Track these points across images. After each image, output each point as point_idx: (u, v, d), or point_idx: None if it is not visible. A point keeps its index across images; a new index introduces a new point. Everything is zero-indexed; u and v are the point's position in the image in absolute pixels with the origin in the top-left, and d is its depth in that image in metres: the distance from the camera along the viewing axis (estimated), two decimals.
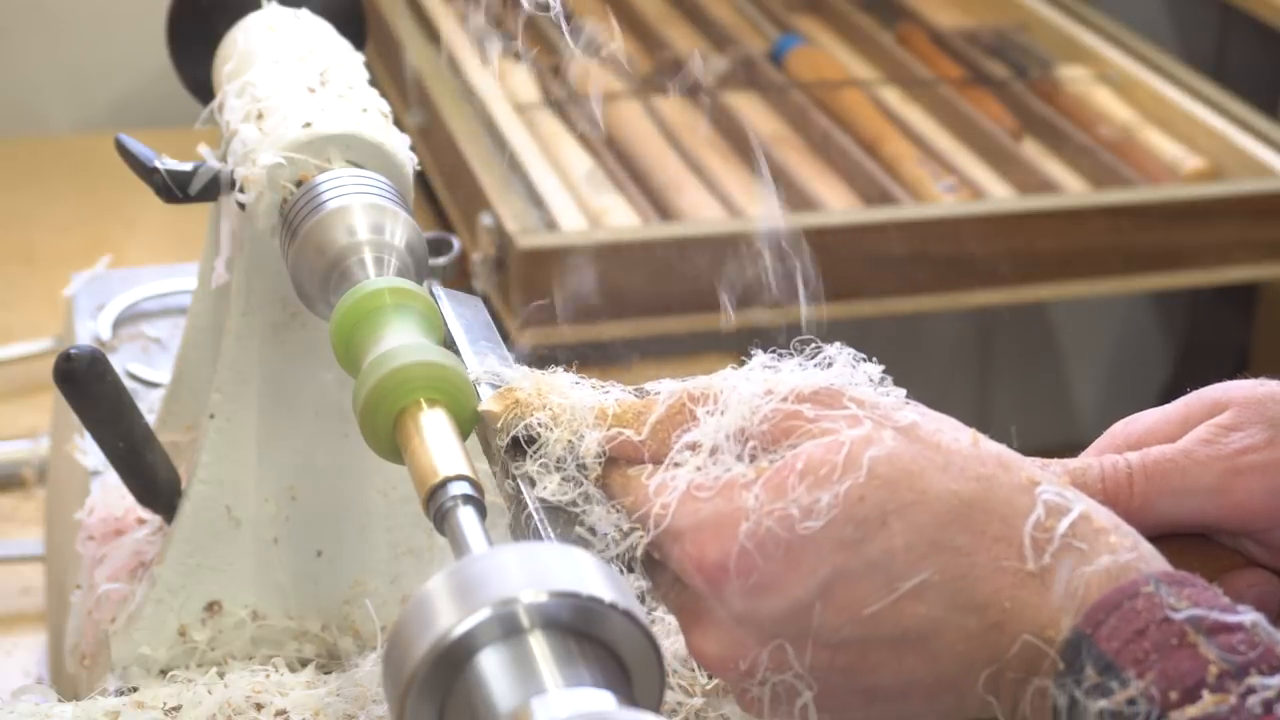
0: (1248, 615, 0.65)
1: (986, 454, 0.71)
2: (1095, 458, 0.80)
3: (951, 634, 0.68)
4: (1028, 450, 0.74)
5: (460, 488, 0.73)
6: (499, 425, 0.77)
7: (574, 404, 0.77)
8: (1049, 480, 0.70)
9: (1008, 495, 0.69)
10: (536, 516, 0.73)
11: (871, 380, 0.75)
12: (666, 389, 0.76)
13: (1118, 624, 0.65)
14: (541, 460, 0.76)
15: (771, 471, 0.70)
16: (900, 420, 0.71)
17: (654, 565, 0.74)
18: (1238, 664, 0.63)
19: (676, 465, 0.74)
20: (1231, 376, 0.83)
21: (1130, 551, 0.68)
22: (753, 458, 0.72)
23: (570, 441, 0.76)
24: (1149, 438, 0.80)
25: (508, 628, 0.61)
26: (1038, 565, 0.67)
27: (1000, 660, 0.68)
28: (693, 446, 0.74)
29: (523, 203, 1.81)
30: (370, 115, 0.94)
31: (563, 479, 0.75)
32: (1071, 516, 0.68)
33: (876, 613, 0.68)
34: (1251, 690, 0.62)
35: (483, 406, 0.78)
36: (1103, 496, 0.77)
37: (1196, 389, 0.82)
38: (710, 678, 0.89)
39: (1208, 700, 0.62)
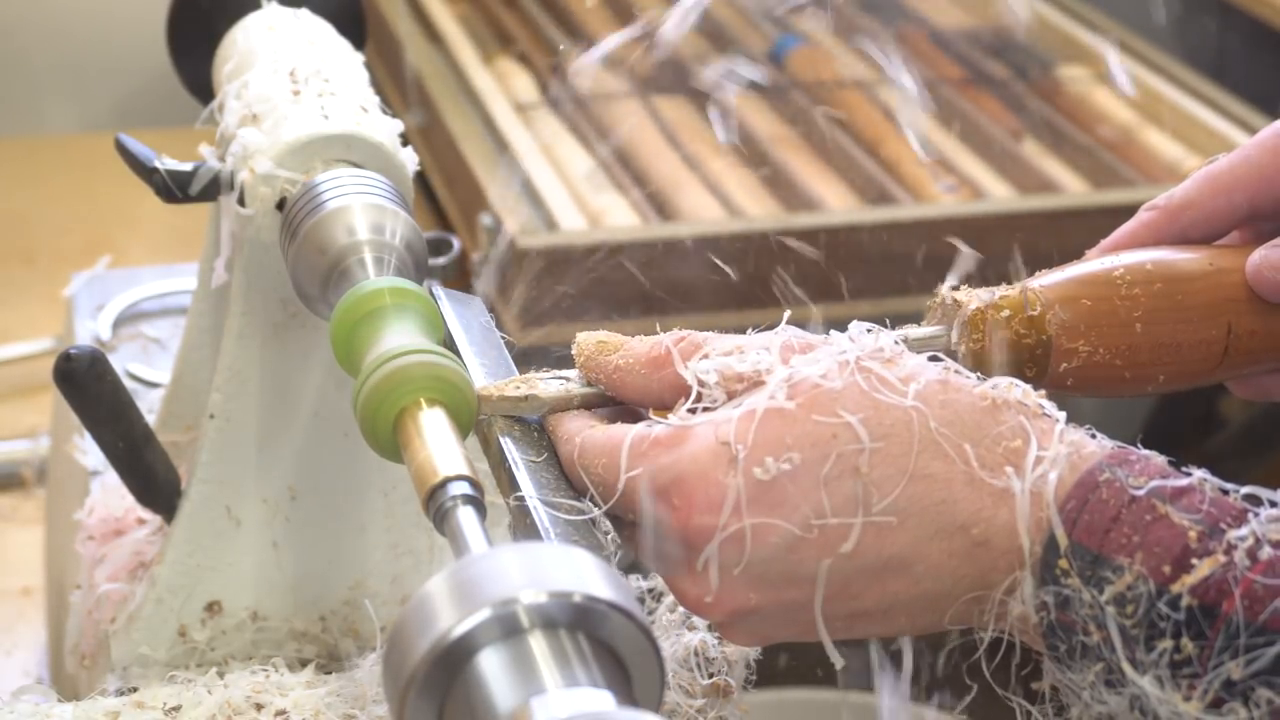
0: (1195, 474, 0.68)
1: (945, 381, 0.73)
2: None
3: (935, 556, 0.70)
4: None
5: (460, 488, 0.73)
6: (493, 395, 0.78)
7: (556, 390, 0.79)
8: (999, 395, 0.72)
9: (973, 417, 0.71)
10: (536, 515, 0.73)
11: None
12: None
13: (1091, 517, 0.68)
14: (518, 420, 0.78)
15: (742, 418, 0.71)
16: (867, 361, 0.73)
17: (620, 520, 0.75)
18: (1209, 522, 0.66)
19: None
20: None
21: (1077, 443, 0.70)
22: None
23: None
24: None
25: (507, 628, 0.61)
26: (1007, 481, 0.70)
27: (988, 576, 0.70)
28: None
29: (523, 203, 1.81)
30: (370, 115, 0.94)
31: (523, 431, 0.78)
32: (1029, 426, 0.71)
33: (858, 546, 0.70)
34: (1232, 546, 0.65)
35: (480, 389, 0.79)
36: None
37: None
38: (709, 676, 0.89)
39: (1202, 566, 0.65)
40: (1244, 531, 0.65)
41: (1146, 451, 0.70)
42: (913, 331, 0.81)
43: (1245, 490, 0.68)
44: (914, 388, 0.71)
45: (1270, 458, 2.17)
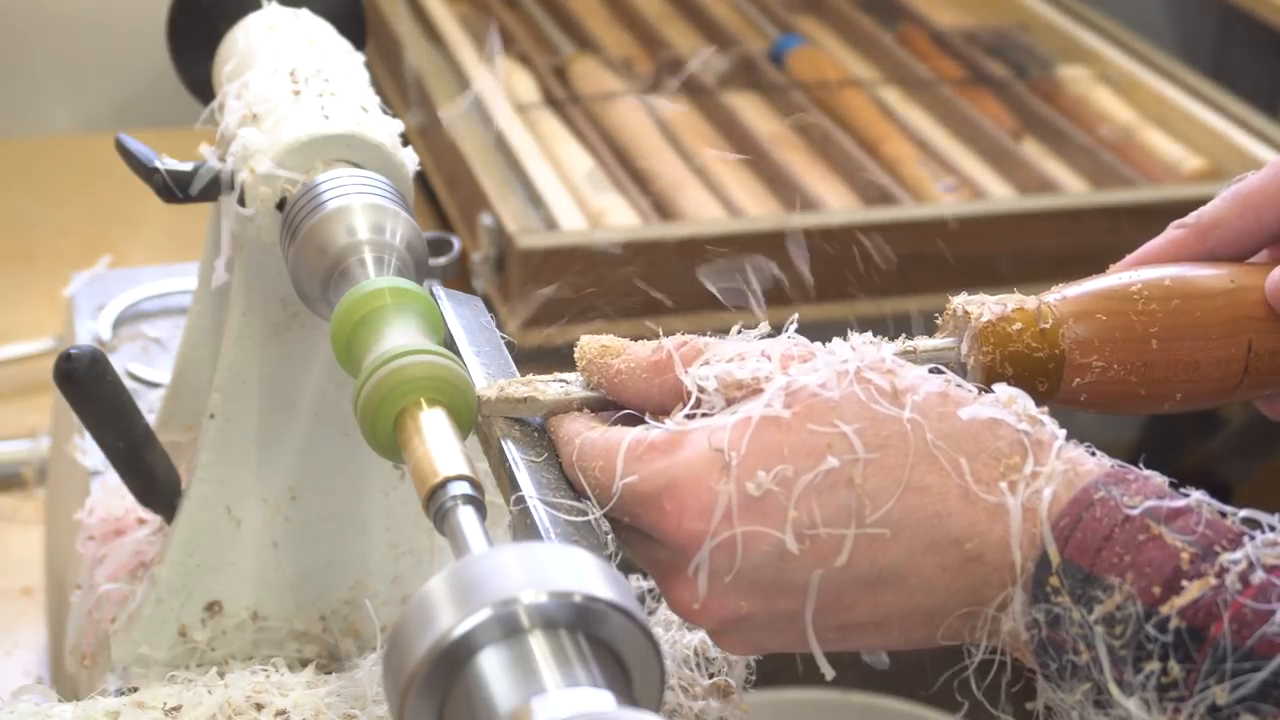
0: (1191, 495, 0.67)
1: (945, 394, 0.72)
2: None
3: (929, 570, 0.70)
4: None
5: (460, 488, 0.73)
6: (493, 397, 0.78)
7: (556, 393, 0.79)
8: (996, 409, 0.71)
9: (971, 431, 0.71)
10: (536, 515, 0.73)
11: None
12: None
13: (1084, 535, 0.67)
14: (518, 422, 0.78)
15: (737, 425, 0.71)
16: (866, 372, 0.72)
17: (618, 523, 0.75)
18: (1202, 544, 0.66)
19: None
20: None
21: (1075, 460, 0.70)
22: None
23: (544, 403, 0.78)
24: None
25: (508, 628, 0.61)
26: (1002, 496, 0.69)
27: (981, 591, 0.70)
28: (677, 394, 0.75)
29: (523, 203, 1.81)
30: (370, 115, 0.94)
31: (523, 431, 0.78)
32: (1027, 441, 0.70)
33: (851, 557, 0.70)
34: (1224, 569, 0.64)
35: (480, 390, 0.79)
36: None
37: None
38: (710, 676, 0.89)
39: (1192, 588, 0.64)
40: (1238, 555, 0.65)
41: (1147, 471, 0.69)
42: (923, 343, 0.80)
43: (1244, 513, 0.67)
44: (913, 399, 0.71)
45: (1270, 458, 2.17)
